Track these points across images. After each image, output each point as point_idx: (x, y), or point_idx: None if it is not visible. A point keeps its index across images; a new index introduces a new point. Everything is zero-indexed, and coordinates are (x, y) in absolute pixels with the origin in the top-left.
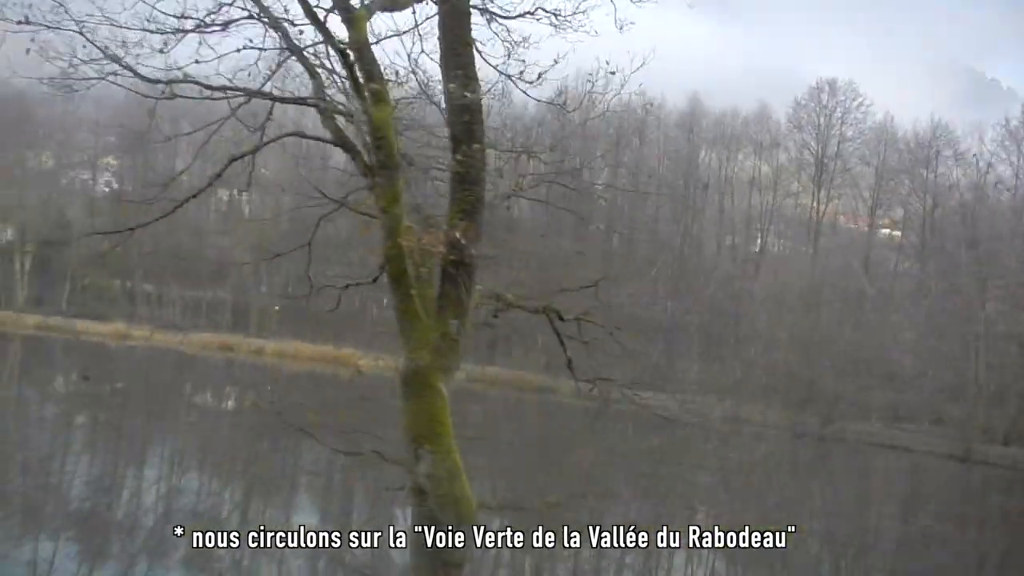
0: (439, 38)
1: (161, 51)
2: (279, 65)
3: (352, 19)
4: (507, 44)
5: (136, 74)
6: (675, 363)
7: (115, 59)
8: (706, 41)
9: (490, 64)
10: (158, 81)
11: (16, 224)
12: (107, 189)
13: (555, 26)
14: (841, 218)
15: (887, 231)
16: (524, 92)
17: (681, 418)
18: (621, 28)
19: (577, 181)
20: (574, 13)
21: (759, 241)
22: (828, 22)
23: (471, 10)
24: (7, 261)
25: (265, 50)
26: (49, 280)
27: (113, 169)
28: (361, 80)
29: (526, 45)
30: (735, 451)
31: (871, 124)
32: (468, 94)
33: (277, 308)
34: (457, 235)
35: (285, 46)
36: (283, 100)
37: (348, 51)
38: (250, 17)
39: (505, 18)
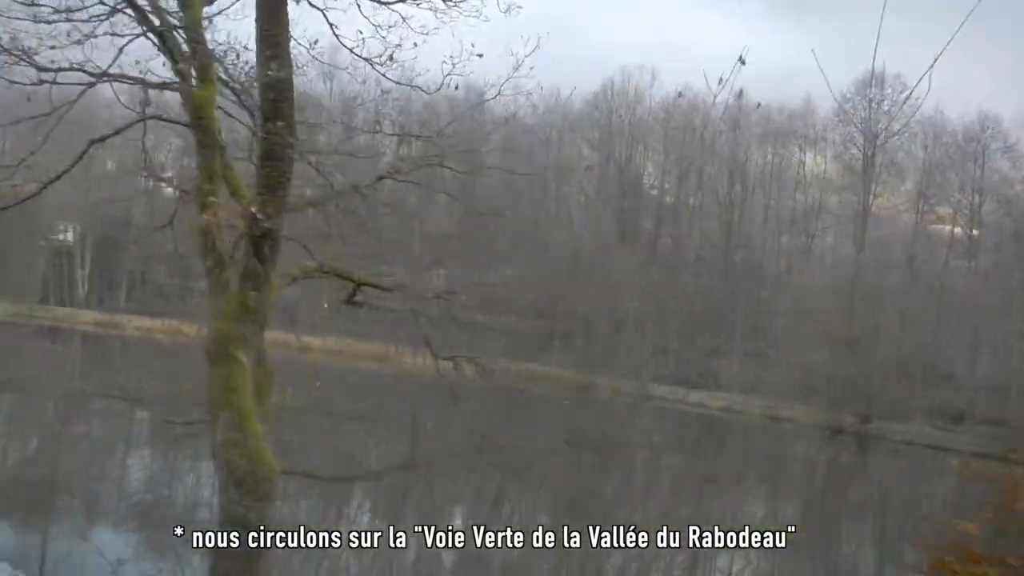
0: (256, 20)
1: (53, 46)
2: (124, 45)
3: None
4: (379, 28)
5: (34, 64)
6: (719, 361)
7: (14, 51)
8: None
9: (346, 47)
10: (47, 69)
11: (79, 223)
12: None
13: (435, 11)
14: (887, 213)
15: (935, 226)
16: (382, 74)
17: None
18: (507, 11)
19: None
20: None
21: (804, 237)
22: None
23: None
24: (69, 259)
25: (123, 36)
26: (109, 278)
27: None
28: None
29: (384, 30)
30: (761, 449)
31: (919, 118)
32: (271, 72)
33: (326, 306)
34: (253, 210)
35: (144, 30)
36: (147, 84)
37: (172, 32)
38: (113, 10)
39: (383, 3)
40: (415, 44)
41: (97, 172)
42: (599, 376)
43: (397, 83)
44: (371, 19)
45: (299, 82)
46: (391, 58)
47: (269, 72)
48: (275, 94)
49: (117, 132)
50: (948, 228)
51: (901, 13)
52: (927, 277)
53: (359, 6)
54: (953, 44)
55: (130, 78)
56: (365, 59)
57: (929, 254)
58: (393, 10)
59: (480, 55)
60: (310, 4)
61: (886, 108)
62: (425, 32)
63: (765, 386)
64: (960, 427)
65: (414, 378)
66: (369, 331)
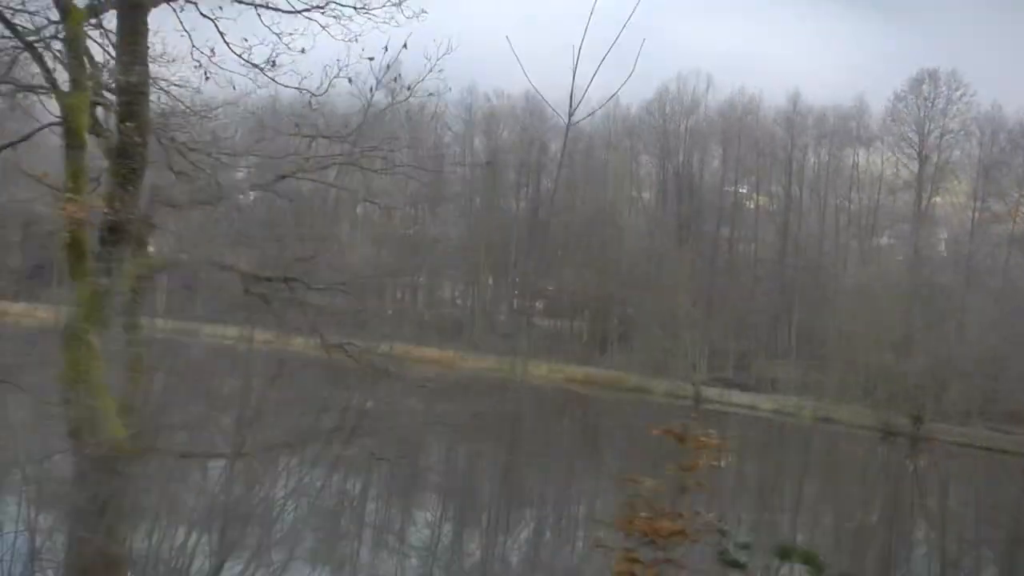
0: (116, 30)
1: None
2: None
3: (67, 9)
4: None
5: None
6: (771, 363)
7: None
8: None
9: (234, 52)
10: None
11: None
12: None
13: (336, 17)
14: (944, 211)
15: (992, 224)
16: (271, 78)
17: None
18: (418, 14)
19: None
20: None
21: (859, 238)
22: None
23: (170, 3)
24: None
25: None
26: (185, 288)
27: None
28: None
29: (287, 36)
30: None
31: (974, 115)
32: (126, 78)
33: (390, 312)
34: (99, 204)
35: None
36: (19, 86)
37: (43, 42)
38: None
39: (276, 10)
40: (302, 49)
41: None
42: (653, 379)
43: (286, 86)
44: (273, 27)
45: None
46: (273, 63)
47: (125, 78)
48: (129, 97)
49: (12, 143)
50: (1006, 226)
51: (955, 12)
52: (984, 276)
53: (259, 16)
54: (1012, 40)
55: (29, 86)
56: (254, 65)
57: (986, 252)
58: (309, 18)
59: (371, 58)
60: (200, 14)
61: (941, 106)
62: (348, 39)
63: (817, 388)
64: (1019, 428)
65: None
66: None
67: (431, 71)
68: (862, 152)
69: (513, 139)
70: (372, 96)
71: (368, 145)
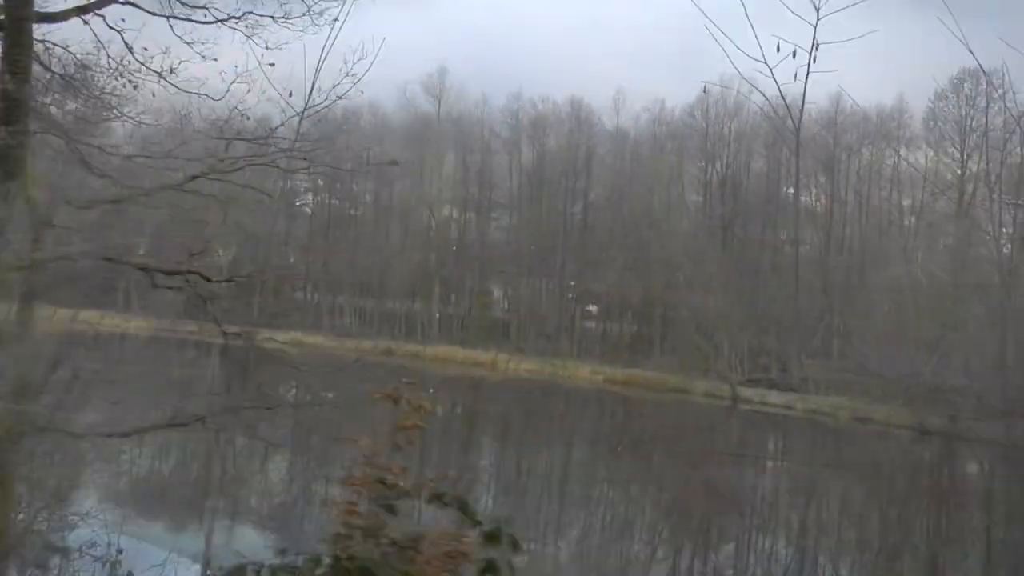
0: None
1: None
2: None
3: None
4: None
5: None
6: (806, 363)
7: None
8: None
9: (137, 60)
10: None
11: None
12: None
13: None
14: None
15: None
16: (172, 84)
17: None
18: (333, 22)
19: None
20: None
21: (900, 237)
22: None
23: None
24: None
25: None
26: (241, 293)
27: None
28: None
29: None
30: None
31: (1017, 114)
32: (5, 86)
33: (438, 315)
34: None
35: None
36: None
37: None
38: None
39: (191, 21)
40: (215, 58)
41: None
42: (694, 380)
43: (186, 91)
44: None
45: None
46: (172, 70)
47: (5, 86)
48: (8, 104)
49: None
50: None
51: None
52: None
53: (171, 26)
54: None
55: None
56: (157, 72)
57: None
58: (235, 29)
59: (272, 64)
60: (108, 26)
61: (982, 105)
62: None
63: (852, 387)
64: None
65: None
66: (470, 339)
67: (346, 76)
68: (904, 152)
69: (560, 143)
70: (306, 105)
71: (281, 147)
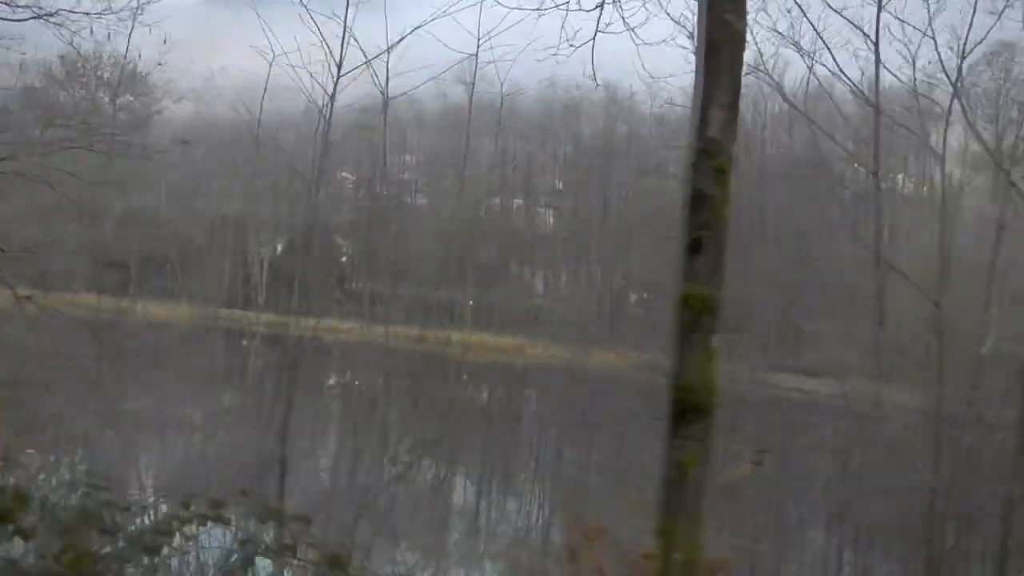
0: None
1: None
2: None
3: None
4: None
5: None
6: (832, 346)
7: None
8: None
9: None
10: None
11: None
12: None
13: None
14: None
15: None
16: None
17: None
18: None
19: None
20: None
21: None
22: None
23: None
24: (249, 266)
25: None
26: (284, 283)
27: None
28: None
29: None
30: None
31: None
32: None
33: (471, 303)
34: None
35: None
36: None
37: None
38: None
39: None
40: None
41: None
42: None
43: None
44: None
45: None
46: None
47: None
48: None
49: None
50: None
51: None
52: None
53: None
54: None
55: None
56: None
57: None
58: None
59: (23, 54)
60: None
61: (1021, 77)
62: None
63: (873, 370)
64: None
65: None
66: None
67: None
68: (941, 127)
69: (596, 130)
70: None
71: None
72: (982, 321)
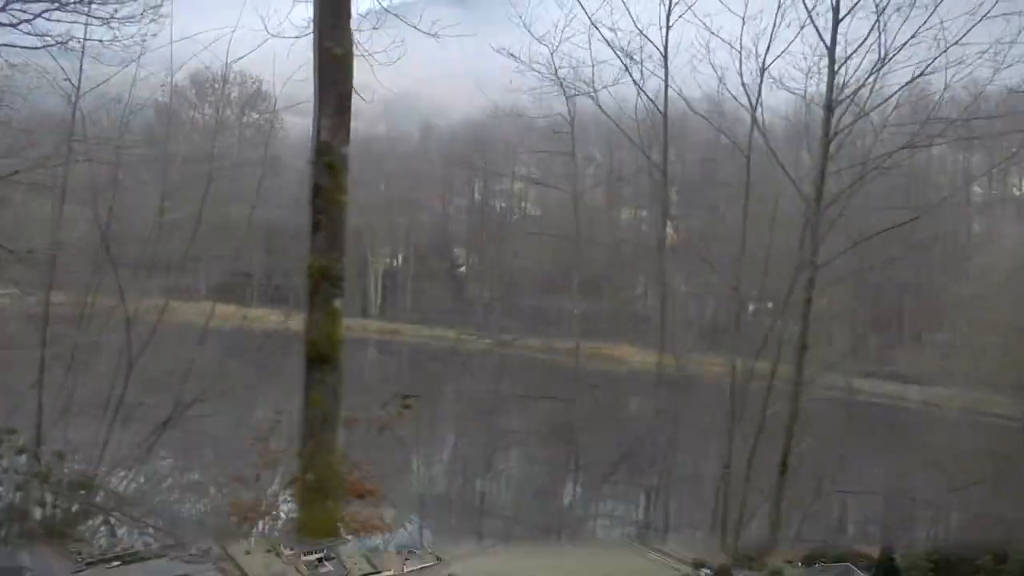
0: None
1: None
2: None
3: None
4: None
5: None
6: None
7: None
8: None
9: None
10: None
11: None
12: None
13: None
14: None
15: None
16: None
17: None
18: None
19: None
20: None
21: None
22: None
23: None
24: (365, 275)
25: None
26: (394, 290)
27: None
28: None
29: None
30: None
31: None
32: None
33: (575, 311)
34: None
35: None
36: None
37: None
38: None
39: None
40: None
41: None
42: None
43: None
44: None
45: None
46: None
47: None
48: None
49: None
50: None
51: None
52: None
53: None
54: None
55: None
56: None
57: None
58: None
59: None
60: None
61: None
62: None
63: (962, 376)
64: None
65: None
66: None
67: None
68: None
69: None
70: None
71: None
72: None
